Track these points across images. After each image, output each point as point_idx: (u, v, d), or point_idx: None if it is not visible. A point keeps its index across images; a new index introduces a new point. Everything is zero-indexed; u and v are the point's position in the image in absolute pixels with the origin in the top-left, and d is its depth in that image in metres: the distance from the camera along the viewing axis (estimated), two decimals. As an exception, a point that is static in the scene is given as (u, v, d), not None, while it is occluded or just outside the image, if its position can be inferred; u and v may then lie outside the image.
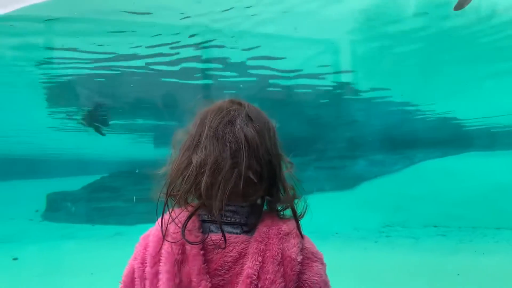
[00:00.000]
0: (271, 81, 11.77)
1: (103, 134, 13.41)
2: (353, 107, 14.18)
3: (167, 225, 1.11)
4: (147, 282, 1.09)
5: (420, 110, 14.30)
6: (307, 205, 1.19)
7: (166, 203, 1.14)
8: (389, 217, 11.17)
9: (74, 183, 14.88)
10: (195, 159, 1.11)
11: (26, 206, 14.32)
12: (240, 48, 9.66)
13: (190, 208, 1.13)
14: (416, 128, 15.77)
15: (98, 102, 12.52)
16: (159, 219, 1.14)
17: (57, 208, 13.91)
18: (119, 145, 17.44)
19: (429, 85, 11.91)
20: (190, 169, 1.11)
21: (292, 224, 1.15)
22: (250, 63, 10.50)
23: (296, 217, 1.17)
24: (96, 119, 12.90)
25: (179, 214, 1.12)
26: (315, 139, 14.81)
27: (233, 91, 12.05)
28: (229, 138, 1.12)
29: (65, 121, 14.60)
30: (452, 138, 16.23)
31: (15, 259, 9.23)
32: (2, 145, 17.09)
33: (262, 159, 1.13)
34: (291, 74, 11.35)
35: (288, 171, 1.20)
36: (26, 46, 9.36)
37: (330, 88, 12.45)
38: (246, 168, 1.09)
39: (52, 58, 10.05)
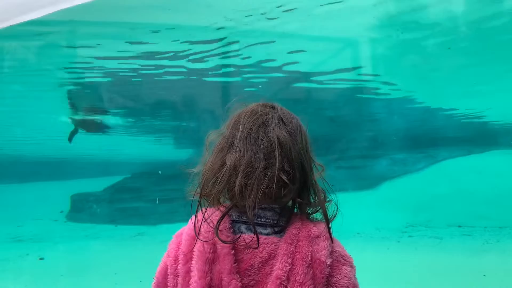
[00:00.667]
0: (291, 80, 11.76)
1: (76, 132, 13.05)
2: (374, 105, 14.04)
3: (200, 224, 1.14)
4: (180, 279, 1.13)
5: (443, 108, 14.07)
6: (337, 208, 1.23)
7: (199, 203, 1.17)
8: (412, 216, 11.01)
9: (97, 184, 15.15)
10: (229, 161, 1.13)
11: (51, 207, 14.63)
12: (261, 46, 9.68)
13: (222, 209, 1.16)
14: (439, 126, 15.51)
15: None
16: (192, 218, 1.17)
17: (81, 209, 14.17)
18: (140, 146, 17.69)
19: (452, 82, 11.71)
20: (224, 170, 1.13)
21: (322, 227, 1.16)
22: (270, 63, 10.51)
23: (327, 220, 1.19)
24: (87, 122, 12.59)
25: (212, 214, 1.15)
26: (336, 138, 14.71)
27: (253, 89, 12.09)
28: (262, 140, 1.14)
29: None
30: (477, 135, 15.90)
31: (41, 259, 9.44)
32: (27, 148, 17.52)
33: (294, 161, 1.15)
34: (312, 73, 11.31)
35: (319, 175, 1.23)
36: (52, 48, 9.56)
37: (351, 86, 12.37)
38: (279, 170, 1.11)
39: (77, 62, 10.26)
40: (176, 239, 1.20)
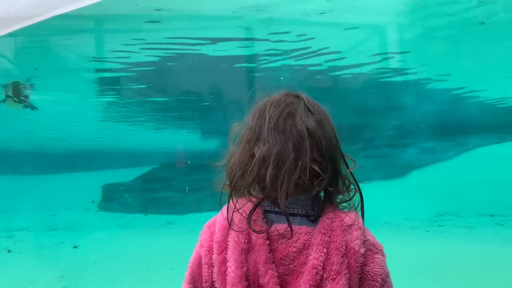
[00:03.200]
0: (317, 68, 11.66)
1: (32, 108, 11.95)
2: (402, 93, 13.79)
3: (232, 214, 1.15)
4: (215, 269, 1.14)
5: (474, 94, 13.69)
6: (362, 199, 1.23)
7: (230, 194, 1.18)
8: (441, 206, 10.82)
9: (127, 175, 15.45)
10: (258, 152, 1.13)
11: (83, 197, 15.04)
12: (285, 35, 9.62)
13: (254, 199, 1.17)
14: (470, 113, 15.10)
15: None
16: (224, 209, 1.19)
17: (112, 199, 14.52)
18: (169, 137, 17.93)
19: (483, 67, 11.38)
20: (254, 162, 1.14)
21: (353, 216, 1.18)
22: (296, 51, 10.44)
23: (363, 209, 1.22)
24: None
25: (244, 205, 1.16)
26: (363, 127, 14.54)
27: (280, 77, 12.05)
28: (290, 131, 1.14)
29: (117, 115, 15.21)
30: (509, 122, 15.41)
31: (75, 247, 9.75)
32: (59, 140, 18.02)
33: (324, 150, 1.16)
34: (338, 60, 11.18)
35: (349, 170, 1.24)
36: (81, 41, 9.74)
37: (379, 73, 12.18)
38: (310, 160, 1.12)
39: (106, 53, 10.42)
40: (209, 229, 1.21)
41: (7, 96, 10.82)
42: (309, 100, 1.24)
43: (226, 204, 1.19)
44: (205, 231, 1.22)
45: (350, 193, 1.22)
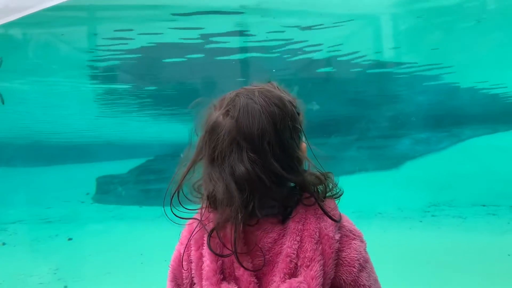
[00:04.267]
0: (311, 59, 11.65)
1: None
2: (395, 83, 13.82)
3: (201, 217, 1.18)
4: (193, 265, 1.15)
5: (468, 85, 13.75)
6: (336, 186, 1.21)
7: (204, 206, 1.19)
8: (435, 196, 10.90)
9: (121, 167, 15.42)
10: (217, 188, 1.10)
11: (78, 189, 15.01)
12: (279, 26, 9.60)
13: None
14: (463, 103, 15.18)
15: None
16: (202, 206, 1.20)
17: (106, 191, 14.50)
18: (161, 129, 17.89)
19: (477, 58, 11.42)
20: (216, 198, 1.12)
21: (330, 204, 1.17)
22: (289, 42, 10.41)
23: (336, 195, 1.20)
24: None
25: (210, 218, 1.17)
26: (357, 118, 14.58)
27: (273, 69, 12.02)
28: (240, 176, 1.08)
29: (110, 108, 15.14)
30: (502, 113, 15.51)
31: (70, 239, 9.75)
32: (53, 132, 17.94)
33: (291, 163, 1.13)
34: (332, 51, 11.18)
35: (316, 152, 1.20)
36: (76, 34, 9.67)
37: (372, 64, 12.19)
38: (268, 191, 1.10)
39: (101, 45, 10.34)
40: (188, 227, 1.24)
41: None
42: (248, 123, 1.11)
43: (203, 206, 1.20)
44: (186, 229, 1.24)
45: (328, 183, 1.19)
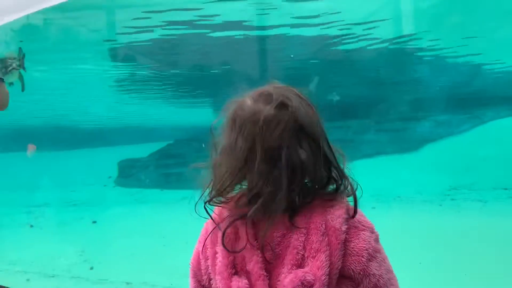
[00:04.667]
0: (329, 40, 11.52)
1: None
2: (415, 65, 13.59)
3: (211, 216, 1.23)
4: (210, 261, 1.22)
5: (490, 66, 13.43)
6: (352, 184, 1.22)
7: (212, 198, 1.23)
8: (455, 179, 10.77)
9: (142, 151, 15.65)
10: (250, 184, 1.16)
11: (100, 173, 15.33)
12: (296, 7, 9.50)
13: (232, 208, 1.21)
14: (485, 85, 14.84)
15: None
16: (217, 208, 1.25)
17: (128, 175, 14.78)
18: (181, 113, 18.03)
19: (499, 36, 11.12)
20: (248, 193, 1.16)
21: (338, 197, 1.20)
22: (308, 22, 10.29)
23: (354, 194, 1.21)
24: None
25: (225, 217, 1.21)
26: (376, 100, 14.41)
27: (291, 55, 11.94)
28: (286, 162, 1.12)
29: (130, 93, 15.32)
30: (526, 94, 15.13)
31: (94, 222, 10.02)
32: (76, 117, 18.26)
33: (317, 176, 1.17)
34: (351, 32, 11.02)
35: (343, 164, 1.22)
36: (96, 18, 9.76)
37: (392, 45, 11.99)
38: (298, 191, 1.15)
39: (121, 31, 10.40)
40: (206, 226, 1.29)
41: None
42: (302, 111, 1.17)
43: (217, 207, 1.25)
44: (204, 228, 1.29)
45: (342, 183, 1.22)
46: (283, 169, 1.12)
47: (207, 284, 1.26)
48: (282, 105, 1.16)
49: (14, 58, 10.02)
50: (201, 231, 1.30)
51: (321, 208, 1.17)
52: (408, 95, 14.05)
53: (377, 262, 1.15)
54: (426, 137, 13.61)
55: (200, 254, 1.27)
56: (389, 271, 1.18)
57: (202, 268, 1.26)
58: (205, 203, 1.23)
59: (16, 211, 11.05)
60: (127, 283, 5.66)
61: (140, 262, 6.90)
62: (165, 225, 9.01)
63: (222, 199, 1.22)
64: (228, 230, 1.17)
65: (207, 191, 1.24)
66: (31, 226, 9.90)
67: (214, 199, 1.22)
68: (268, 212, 1.13)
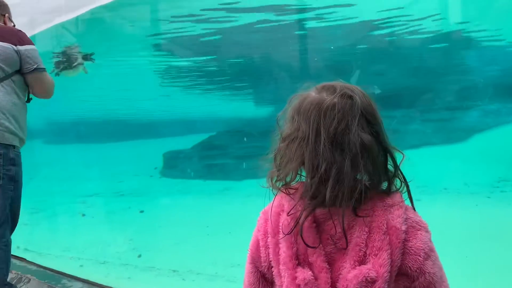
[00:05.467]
0: (372, 28, 11.31)
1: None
2: (463, 52, 13.08)
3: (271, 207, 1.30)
4: (270, 250, 1.29)
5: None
6: (406, 185, 1.29)
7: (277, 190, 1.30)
8: (505, 171, 10.30)
9: (186, 142, 15.97)
10: (320, 169, 1.18)
11: (146, 164, 15.78)
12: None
13: (299, 200, 1.25)
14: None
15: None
16: (276, 197, 1.33)
17: (173, 166, 15.15)
18: (223, 105, 18.24)
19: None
20: (313, 178, 1.20)
21: (396, 196, 1.26)
22: (348, 9, 10.15)
23: (409, 193, 1.29)
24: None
25: (293, 207, 1.26)
26: (421, 89, 14.00)
27: (331, 47, 11.80)
28: (349, 147, 1.17)
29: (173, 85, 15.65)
30: None
31: (141, 211, 10.37)
32: (123, 110, 18.87)
33: (378, 164, 1.22)
34: (394, 19, 10.78)
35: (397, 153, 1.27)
36: (140, 12, 10.02)
37: (438, 32, 11.61)
38: (366, 176, 1.20)
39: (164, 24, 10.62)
40: (264, 215, 1.35)
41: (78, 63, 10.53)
42: (364, 101, 1.23)
43: (278, 193, 1.31)
44: (261, 217, 1.36)
45: (396, 182, 1.27)
46: (347, 153, 1.17)
47: (265, 270, 1.33)
48: (346, 95, 1.22)
49: (79, 52, 10.49)
50: (258, 220, 1.37)
51: (381, 206, 1.22)
52: (455, 84, 13.55)
53: (431, 261, 1.21)
54: (474, 127, 13.09)
55: (260, 241, 1.33)
56: (441, 268, 1.24)
57: (262, 255, 1.33)
58: (271, 190, 1.30)
59: (69, 201, 11.58)
60: (174, 271, 5.85)
61: (185, 250, 7.09)
62: (208, 215, 9.19)
63: (286, 188, 1.29)
64: (291, 223, 1.22)
65: (274, 179, 1.31)
66: (83, 215, 10.37)
67: (280, 187, 1.29)
68: (334, 203, 1.18)
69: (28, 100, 3.67)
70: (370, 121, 1.22)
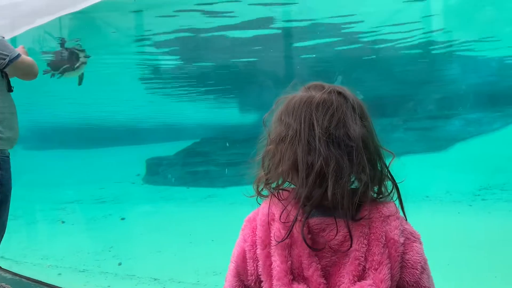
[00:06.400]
0: (356, 37, 11.43)
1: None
2: (445, 61, 13.31)
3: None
4: (260, 263, 1.17)
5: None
6: (398, 191, 1.24)
7: (271, 194, 1.21)
8: (486, 179, 10.47)
9: (169, 149, 15.84)
10: (315, 166, 1.11)
11: (129, 171, 15.59)
12: (323, 5, 9.47)
13: (292, 204, 1.16)
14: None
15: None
16: (263, 204, 1.22)
17: (155, 172, 15.00)
18: (206, 111, 18.19)
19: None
20: (310, 176, 1.12)
21: (391, 206, 1.19)
22: (334, 20, 10.25)
23: (400, 201, 1.23)
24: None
25: (289, 212, 1.16)
26: (404, 98, 14.18)
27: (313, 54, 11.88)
28: (345, 143, 1.12)
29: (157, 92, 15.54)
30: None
31: (122, 218, 10.22)
32: (106, 116, 18.66)
33: (372, 157, 1.17)
34: (377, 29, 10.91)
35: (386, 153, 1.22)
36: (125, 16, 9.93)
37: (420, 42, 11.80)
38: (362, 171, 1.13)
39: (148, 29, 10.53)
40: (250, 224, 1.23)
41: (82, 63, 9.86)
42: (354, 99, 1.19)
43: (266, 200, 1.21)
44: (247, 225, 1.24)
45: (387, 185, 1.21)
46: (344, 147, 1.12)
47: (252, 284, 1.21)
48: (335, 91, 1.18)
49: (83, 51, 10.07)
50: (242, 228, 1.26)
51: (378, 216, 1.15)
52: (437, 93, 13.76)
53: (426, 274, 1.17)
54: (456, 136, 13.27)
55: (247, 253, 1.21)
56: (432, 280, 1.20)
57: (249, 268, 1.20)
58: (258, 195, 1.22)
59: (48, 207, 11.36)
60: (155, 279, 5.75)
61: (167, 258, 6.99)
62: (191, 222, 9.10)
63: (277, 193, 1.20)
64: (284, 234, 1.12)
65: (261, 184, 1.23)
66: (63, 222, 10.17)
67: (271, 190, 1.21)
68: (334, 204, 1.11)
69: (10, 89, 3.49)
70: (361, 117, 1.17)
